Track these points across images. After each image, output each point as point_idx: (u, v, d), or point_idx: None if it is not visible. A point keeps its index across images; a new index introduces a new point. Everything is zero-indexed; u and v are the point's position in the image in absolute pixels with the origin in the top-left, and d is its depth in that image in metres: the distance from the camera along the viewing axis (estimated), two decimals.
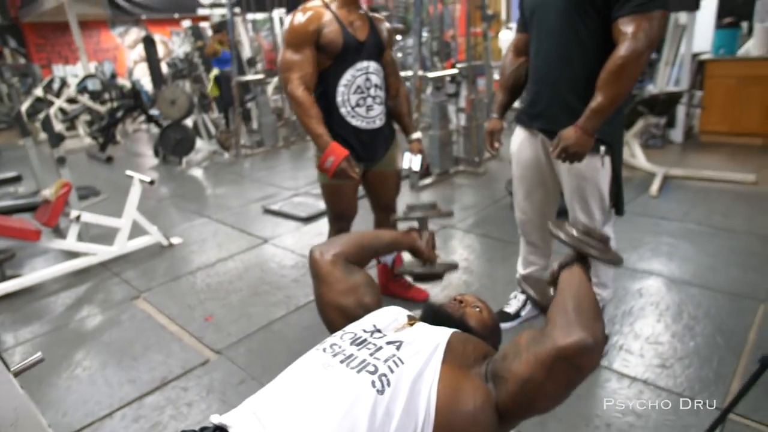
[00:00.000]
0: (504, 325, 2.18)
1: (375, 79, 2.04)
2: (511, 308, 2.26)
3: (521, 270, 2.22)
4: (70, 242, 2.98)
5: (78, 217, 2.97)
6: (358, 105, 2.01)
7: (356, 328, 1.05)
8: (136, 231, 3.35)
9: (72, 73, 12.36)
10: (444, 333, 1.03)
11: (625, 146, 4.37)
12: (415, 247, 1.38)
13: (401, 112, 2.25)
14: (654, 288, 2.43)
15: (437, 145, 4.40)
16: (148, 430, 1.77)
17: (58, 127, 7.78)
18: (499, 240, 3.15)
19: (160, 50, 13.00)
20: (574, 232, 1.11)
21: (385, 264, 2.51)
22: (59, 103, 7.67)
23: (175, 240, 3.51)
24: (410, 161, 2.23)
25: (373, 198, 2.38)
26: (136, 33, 14.74)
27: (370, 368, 0.90)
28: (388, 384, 0.88)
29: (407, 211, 1.42)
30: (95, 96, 7.50)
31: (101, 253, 3.14)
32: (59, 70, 13.30)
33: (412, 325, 1.09)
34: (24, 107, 8.44)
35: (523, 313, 2.25)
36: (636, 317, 2.19)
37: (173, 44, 14.68)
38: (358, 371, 0.89)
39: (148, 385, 2.01)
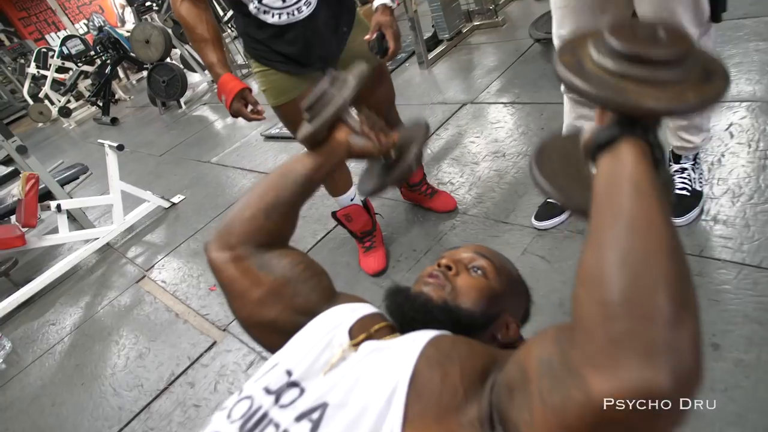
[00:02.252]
0: (549, 223, 1.69)
1: None
2: None
3: (568, 120, 1.62)
4: (63, 235, 2.73)
5: (59, 207, 2.68)
6: None
7: (255, 386, 0.63)
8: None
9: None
10: (406, 360, 0.58)
11: None
12: (353, 153, 0.80)
13: None
14: (747, 122, 1.79)
15: (439, 4, 3.59)
16: None
17: (63, 100, 7.50)
18: (533, 104, 2.53)
19: None
20: (609, 63, 0.48)
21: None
22: (51, 75, 7.29)
23: (176, 198, 3.19)
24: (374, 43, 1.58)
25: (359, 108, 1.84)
26: None
27: None
28: None
29: (310, 114, 0.79)
30: (81, 57, 7.01)
31: (102, 234, 2.88)
32: (54, 39, 12.79)
33: (357, 348, 0.65)
34: (26, 88, 8.21)
35: None
36: (729, 170, 1.61)
37: None
38: None
39: (155, 386, 1.78)
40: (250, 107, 1.45)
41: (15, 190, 2.65)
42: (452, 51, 3.71)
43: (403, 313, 0.71)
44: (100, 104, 6.35)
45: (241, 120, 4.59)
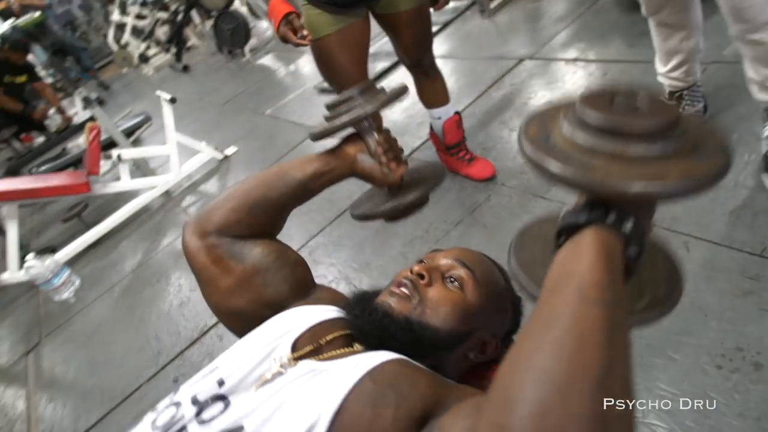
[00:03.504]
0: None
1: None
2: None
3: (660, 68, 1.62)
4: (125, 183, 2.91)
5: (119, 157, 2.84)
6: None
7: (187, 392, 0.61)
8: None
9: None
10: (335, 392, 0.54)
11: None
12: (357, 172, 0.79)
13: None
14: None
15: None
16: None
17: (142, 47, 7.82)
18: (597, 62, 2.28)
19: None
20: (579, 136, 0.41)
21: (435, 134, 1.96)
22: (130, 22, 7.59)
23: (229, 150, 3.27)
24: None
25: (395, 49, 1.83)
26: None
27: None
28: None
29: (329, 114, 0.78)
30: (157, 3, 7.21)
31: (160, 183, 3.03)
32: None
33: (296, 363, 0.61)
34: (111, 35, 8.61)
35: None
36: None
37: None
38: None
39: (190, 335, 1.89)
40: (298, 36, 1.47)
41: (80, 140, 2.82)
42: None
43: (360, 326, 0.66)
44: (174, 51, 6.54)
45: (299, 69, 4.55)
